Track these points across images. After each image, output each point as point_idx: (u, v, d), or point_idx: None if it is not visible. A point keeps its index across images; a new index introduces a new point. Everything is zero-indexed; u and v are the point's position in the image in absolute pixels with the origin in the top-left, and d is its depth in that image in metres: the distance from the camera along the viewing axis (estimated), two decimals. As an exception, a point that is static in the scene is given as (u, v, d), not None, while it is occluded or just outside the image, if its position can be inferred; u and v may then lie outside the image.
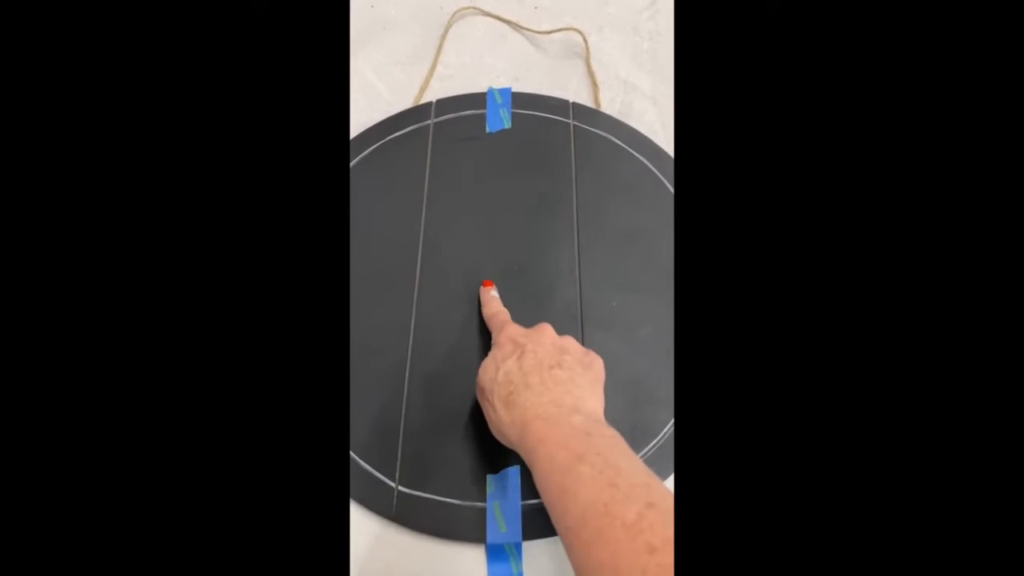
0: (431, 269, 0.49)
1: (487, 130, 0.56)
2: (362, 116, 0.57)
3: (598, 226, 0.51)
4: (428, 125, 0.56)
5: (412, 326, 0.47)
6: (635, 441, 0.42)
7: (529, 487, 0.41)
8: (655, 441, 0.43)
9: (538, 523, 0.40)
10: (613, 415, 0.43)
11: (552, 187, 0.53)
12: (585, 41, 0.62)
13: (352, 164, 0.54)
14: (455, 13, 0.64)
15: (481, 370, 0.39)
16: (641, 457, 0.42)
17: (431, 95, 0.59)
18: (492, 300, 0.46)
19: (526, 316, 0.47)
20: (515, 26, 0.64)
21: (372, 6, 0.66)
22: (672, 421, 0.44)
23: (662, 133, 0.57)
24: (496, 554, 0.40)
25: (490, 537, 0.40)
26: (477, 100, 0.58)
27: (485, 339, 0.46)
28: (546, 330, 0.40)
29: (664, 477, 0.42)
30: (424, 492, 0.41)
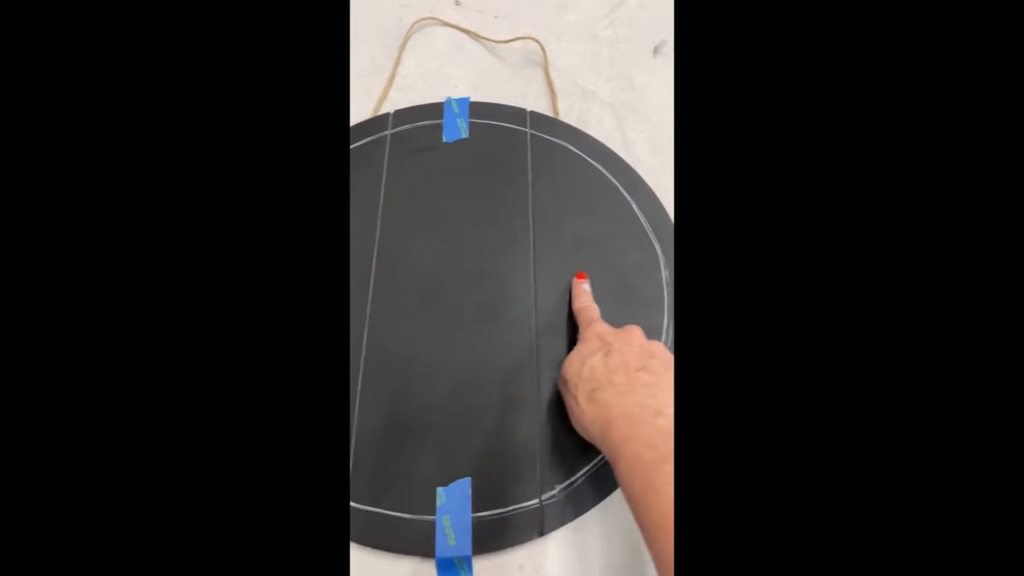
0: (385, 280, 0.49)
1: (444, 140, 0.56)
2: (319, 128, 0.57)
3: (553, 234, 0.51)
4: (385, 136, 0.56)
5: (365, 337, 0.46)
6: (588, 449, 0.42)
7: (480, 499, 0.41)
8: (607, 450, 0.42)
9: (489, 536, 0.40)
10: (567, 424, 0.43)
11: (508, 196, 0.53)
12: (543, 49, 0.62)
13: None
14: (414, 23, 0.64)
15: (566, 363, 0.40)
16: (594, 466, 0.42)
17: (389, 106, 0.59)
18: (583, 294, 0.46)
19: (483, 322, 0.47)
20: (474, 35, 0.64)
21: (332, 18, 0.66)
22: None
23: (620, 140, 0.57)
24: (446, 568, 0.39)
25: (439, 551, 0.39)
26: (434, 110, 0.58)
27: (439, 351, 0.46)
28: (635, 332, 0.41)
29: (615, 486, 0.41)
30: (374, 507, 0.41)
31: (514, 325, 0.47)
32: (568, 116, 0.59)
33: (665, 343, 0.46)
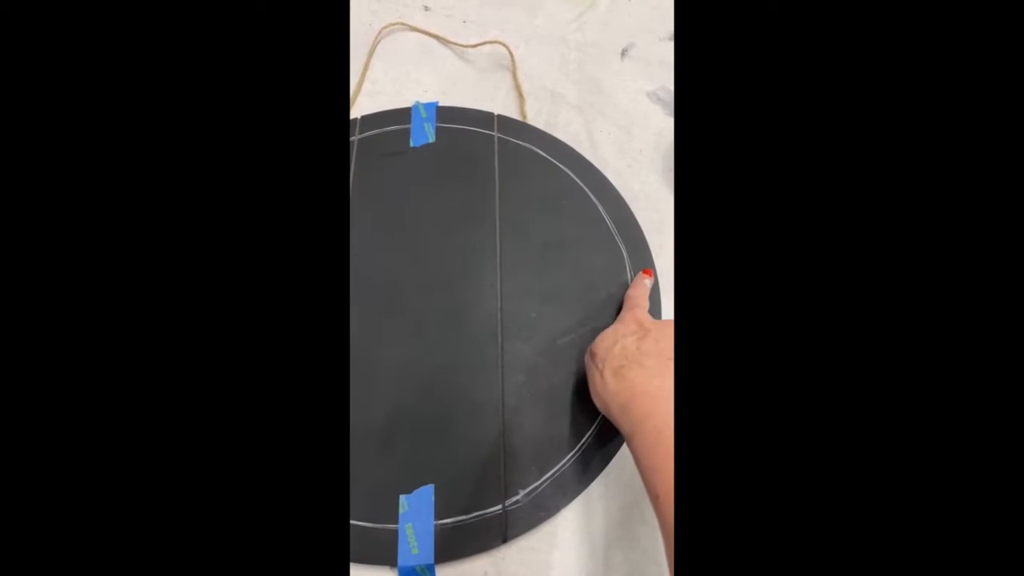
0: (352, 285, 0.48)
1: (411, 144, 0.56)
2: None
3: (520, 237, 0.51)
4: (352, 142, 0.56)
5: (329, 345, 0.46)
6: (552, 454, 0.42)
7: (444, 506, 0.40)
8: (571, 454, 0.42)
9: (452, 544, 0.39)
10: (531, 427, 0.43)
11: (475, 200, 0.52)
12: (511, 54, 0.62)
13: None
14: (382, 29, 0.64)
15: (598, 339, 0.41)
16: (557, 470, 0.42)
17: (358, 111, 0.58)
18: (642, 285, 0.47)
19: (447, 328, 0.47)
20: (443, 40, 0.64)
21: (301, 24, 0.65)
22: (589, 433, 0.43)
23: (587, 142, 0.57)
24: (408, 577, 0.39)
25: (401, 560, 0.39)
26: (401, 115, 0.57)
27: (403, 356, 0.45)
28: (672, 325, 0.41)
29: (579, 491, 0.41)
30: (336, 516, 0.40)
31: (479, 330, 0.46)
32: (536, 119, 0.58)
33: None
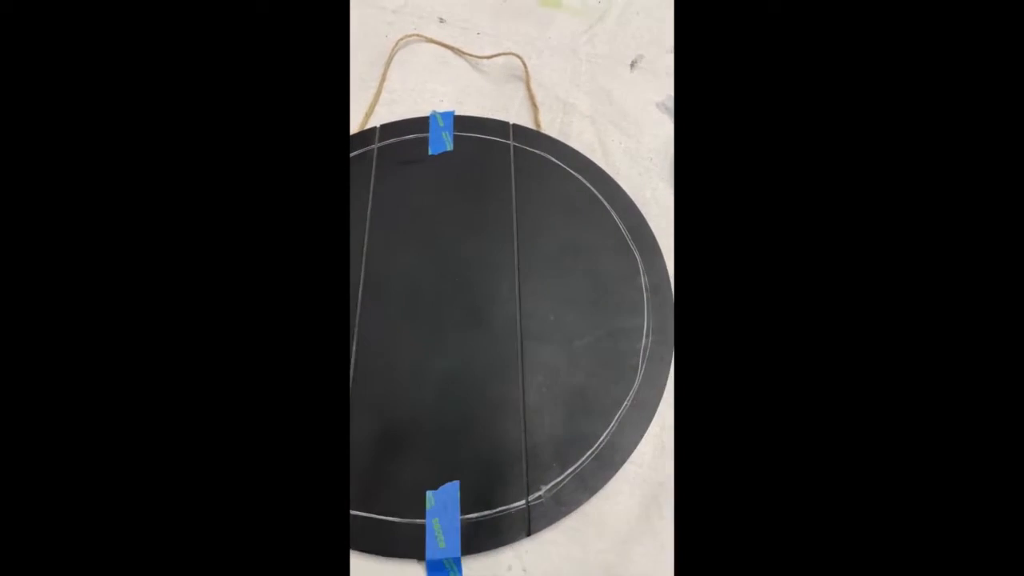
0: (373, 289, 0.50)
1: (430, 153, 0.57)
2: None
3: (537, 243, 0.52)
4: (372, 149, 0.57)
5: (354, 345, 0.47)
6: (573, 451, 0.44)
7: (469, 501, 0.42)
8: (591, 451, 0.44)
9: (478, 537, 0.41)
10: (552, 425, 0.45)
11: (492, 206, 0.54)
12: (524, 65, 0.64)
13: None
14: (399, 40, 0.66)
15: None
16: (578, 467, 0.43)
17: (376, 120, 0.60)
18: None
19: (469, 330, 0.48)
20: (458, 52, 0.66)
21: (319, 35, 0.67)
22: (608, 430, 0.45)
23: (599, 151, 0.59)
24: (436, 570, 0.40)
25: (429, 553, 0.40)
26: (420, 124, 0.59)
27: (426, 357, 0.47)
28: None
29: (599, 487, 0.43)
30: (365, 512, 0.42)
31: (499, 331, 0.48)
32: (550, 129, 0.60)
33: (646, 346, 0.48)
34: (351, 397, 0.45)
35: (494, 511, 0.42)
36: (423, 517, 0.41)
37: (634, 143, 0.60)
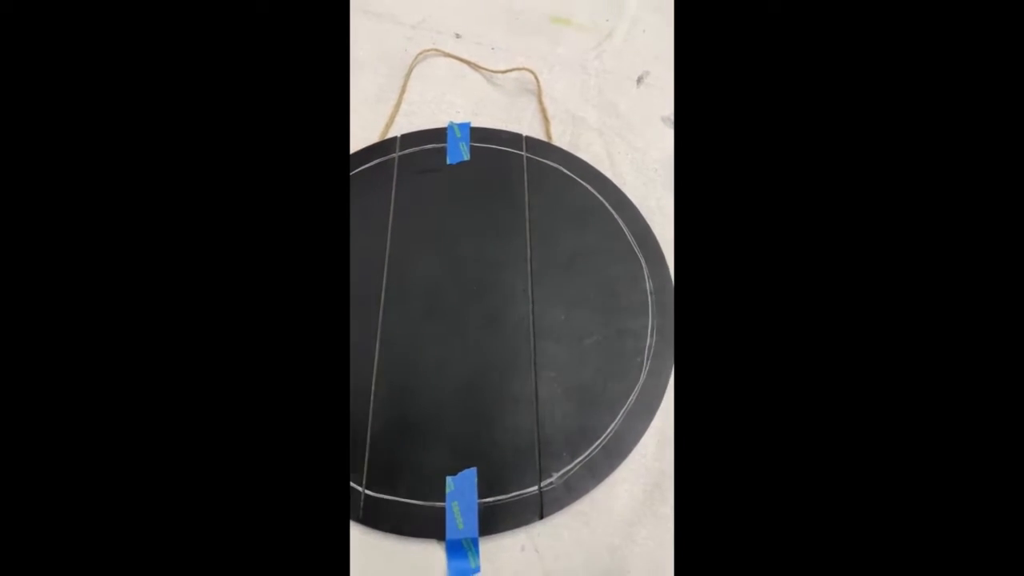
0: (395, 291, 0.53)
1: (447, 162, 0.61)
2: (332, 151, 0.62)
3: (549, 248, 0.56)
4: (393, 158, 0.61)
5: (378, 342, 0.51)
6: (582, 441, 0.47)
7: (486, 486, 0.45)
8: (599, 441, 0.47)
9: (494, 520, 0.44)
10: (562, 417, 0.48)
11: (507, 214, 0.58)
12: (537, 79, 0.67)
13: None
14: (418, 54, 0.70)
15: None
16: (587, 456, 0.47)
17: (396, 131, 0.64)
18: None
19: (483, 330, 0.52)
20: (473, 66, 0.69)
21: (341, 48, 0.71)
22: (614, 423, 0.48)
23: (607, 162, 0.63)
24: (455, 550, 0.44)
25: (449, 534, 0.44)
26: (438, 135, 0.63)
27: (446, 354, 0.50)
28: None
29: (606, 474, 0.46)
30: (389, 495, 0.45)
31: (514, 331, 0.52)
32: (561, 140, 0.64)
33: (650, 344, 0.51)
34: (375, 390, 0.49)
35: (509, 495, 0.45)
36: (443, 500, 0.45)
37: (640, 155, 0.64)
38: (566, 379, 0.50)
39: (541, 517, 0.45)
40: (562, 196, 0.59)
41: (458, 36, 0.72)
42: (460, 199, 0.59)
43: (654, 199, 0.60)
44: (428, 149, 0.62)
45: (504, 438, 0.47)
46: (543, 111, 0.66)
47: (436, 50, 0.70)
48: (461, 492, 0.45)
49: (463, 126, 0.63)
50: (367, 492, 0.45)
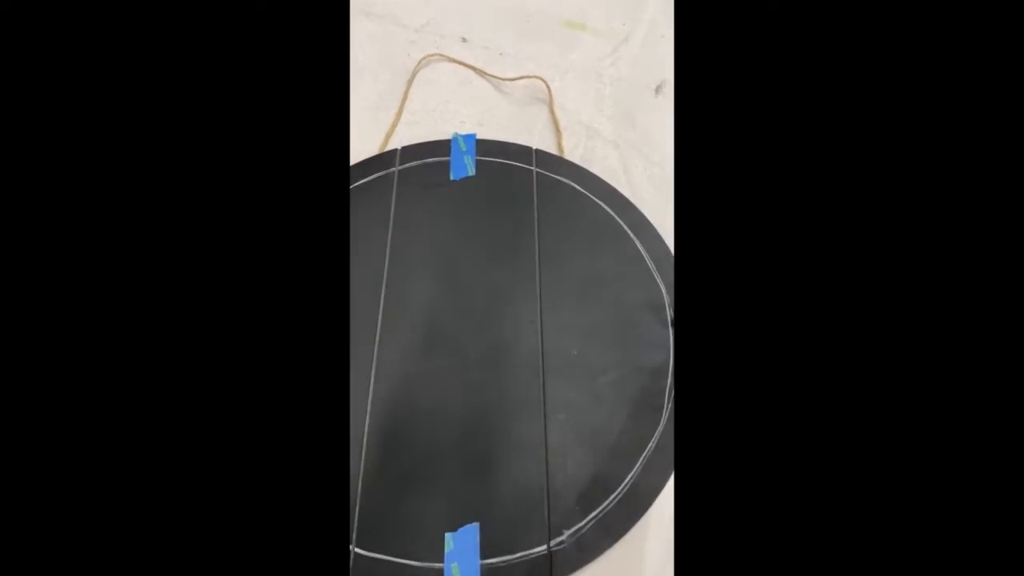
0: (392, 321, 0.49)
1: (451, 178, 0.56)
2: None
3: (559, 273, 0.51)
4: (393, 172, 0.57)
5: (372, 380, 0.46)
6: (596, 494, 0.42)
7: (488, 545, 0.40)
8: (615, 494, 0.42)
9: (497, 583, 0.40)
10: (574, 466, 0.43)
11: (514, 235, 0.53)
12: (548, 88, 0.63)
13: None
14: (422, 59, 0.65)
15: None
16: (601, 511, 0.42)
17: (396, 142, 0.59)
18: None
19: (487, 366, 0.47)
20: (480, 72, 0.65)
21: (340, 53, 0.66)
22: (633, 472, 0.43)
23: (624, 178, 0.58)
24: (454, 617, 0.39)
25: (448, 599, 0.39)
26: (442, 147, 0.58)
27: (446, 393, 0.46)
28: None
29: (623, 532, 0.41)
30: (381, 554, 0.40)
31: (520, 367, 0.47)
32: (573, 154, 0.59)
33: (669, 386, 0.47)
34: (367, 433, 0.44)
35: (515, 556, 0.40)
36: (442, 561, 0.40)
37: (659, 170, 0.59)
38: (578, 423, 0.45)
39: (550, 581, 0.40)
40: (575, 215, 0.54)
41: (464, 40, 0.68)
42: (464, 218, 0.54)
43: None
44: (430, 163, 0.57)
45: (509, 490, 0.42)
46: (555, 122, 0.61)
47: (440, 55, 0.66)
48: (461, 551, 0.40)
49: (468, 138, 0.58)
50: (357, 551, 0.40)
